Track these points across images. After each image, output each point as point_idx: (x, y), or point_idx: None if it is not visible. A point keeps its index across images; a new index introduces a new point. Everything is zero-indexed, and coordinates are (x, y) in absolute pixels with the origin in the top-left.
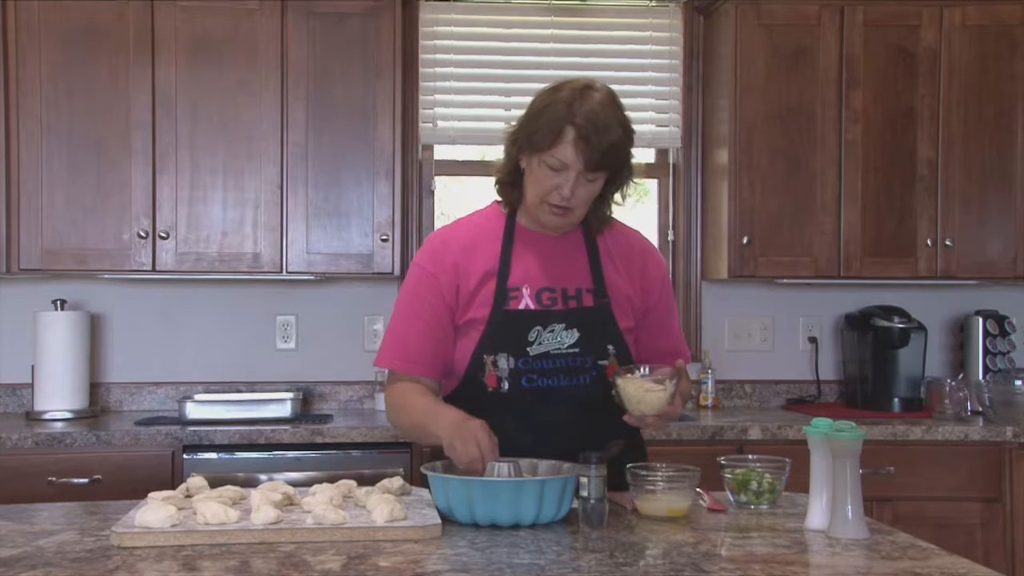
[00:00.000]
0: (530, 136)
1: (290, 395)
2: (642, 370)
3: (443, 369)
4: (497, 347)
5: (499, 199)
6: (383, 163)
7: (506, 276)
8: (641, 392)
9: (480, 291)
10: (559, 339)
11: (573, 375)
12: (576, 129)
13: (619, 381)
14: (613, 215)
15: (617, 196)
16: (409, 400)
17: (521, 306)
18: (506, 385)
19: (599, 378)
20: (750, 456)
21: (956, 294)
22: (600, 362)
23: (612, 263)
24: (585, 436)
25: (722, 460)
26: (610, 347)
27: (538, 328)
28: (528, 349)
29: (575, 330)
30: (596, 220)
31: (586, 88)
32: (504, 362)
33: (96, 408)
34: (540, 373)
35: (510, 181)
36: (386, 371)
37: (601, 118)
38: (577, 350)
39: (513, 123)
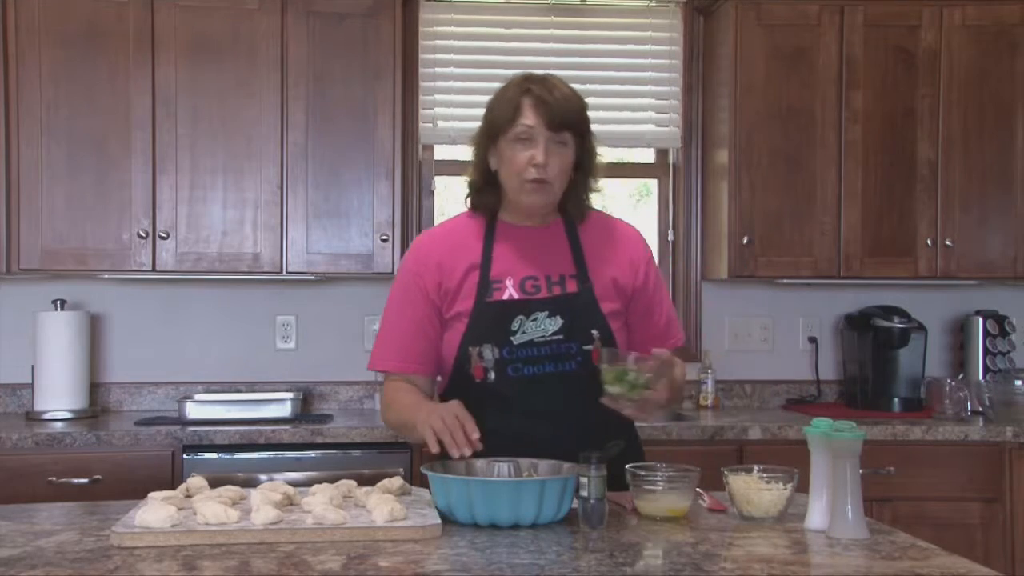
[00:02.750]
0: (492, 123)
1: (290, 395)
2: (630, 359)
3: (436, 366)
4: (481, 338)
5: (472, 208)
6: (383, 163)
7: (488, 268)
8: (744, 490)
9: (464, 285)
10: (542, 327)
11: (559, 362)
12: (532, 95)
13: (729, 477)
14: (591, 204)
15: (593, 183)
16: (397, 398)
17: (505, 296)
18: (492, 375)
19: (585, 363)
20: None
21: (956, 294)
22: (585, 347)
23: (595, 247)
24: (574, 422)
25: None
26: (594, 332)
27: (521, 317)
28: (511, 338)
29: (558, 317)
30: (574, 206)
31: (531, 73)
32: (489, 353)
33: (96, 408)
34: (525, 362)
35: (483, 186)
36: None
37: (551, 81)
38: (561, 336)
39: (474, 133)
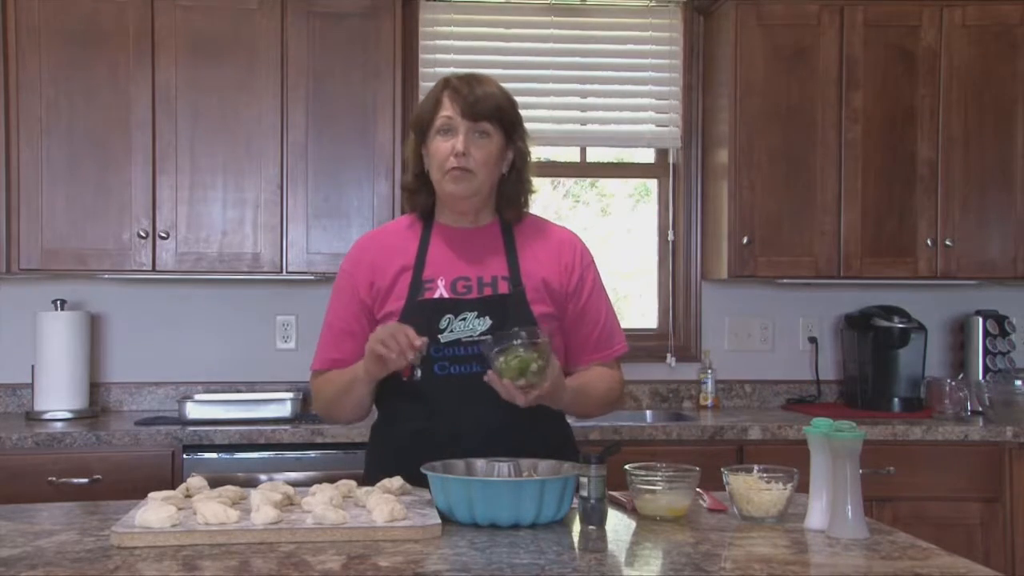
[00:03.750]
0: (417, 120)
1: (290, 395)
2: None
3: None
4: None
5: (409, 210)
6: (383, 163)
7: (421, 268)
8: (744, 490)
9: (396, 285)
10: (471, 326)
11: (486, 362)
12: (450, 88)
13: (729, 477)
14: (528, 208)
15: (528, 184)
16: (331, 377)
17: (435, 296)
18: (419, 373)
19: None
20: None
21: (956, 294)
22: None
23: (530, 250)
24: (501, 422)
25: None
26: (523, 334)
27: (449, 316)
28: (439, 337)
29: (487, 317)
30: (506, 205)
31: (458, 71)
32: None
33: (96, 408)
34: (452, 360)
35: (417, 187)
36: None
37: (473, 76)
38: (489, 337)
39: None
